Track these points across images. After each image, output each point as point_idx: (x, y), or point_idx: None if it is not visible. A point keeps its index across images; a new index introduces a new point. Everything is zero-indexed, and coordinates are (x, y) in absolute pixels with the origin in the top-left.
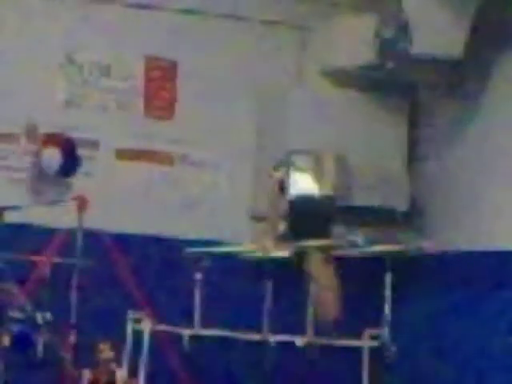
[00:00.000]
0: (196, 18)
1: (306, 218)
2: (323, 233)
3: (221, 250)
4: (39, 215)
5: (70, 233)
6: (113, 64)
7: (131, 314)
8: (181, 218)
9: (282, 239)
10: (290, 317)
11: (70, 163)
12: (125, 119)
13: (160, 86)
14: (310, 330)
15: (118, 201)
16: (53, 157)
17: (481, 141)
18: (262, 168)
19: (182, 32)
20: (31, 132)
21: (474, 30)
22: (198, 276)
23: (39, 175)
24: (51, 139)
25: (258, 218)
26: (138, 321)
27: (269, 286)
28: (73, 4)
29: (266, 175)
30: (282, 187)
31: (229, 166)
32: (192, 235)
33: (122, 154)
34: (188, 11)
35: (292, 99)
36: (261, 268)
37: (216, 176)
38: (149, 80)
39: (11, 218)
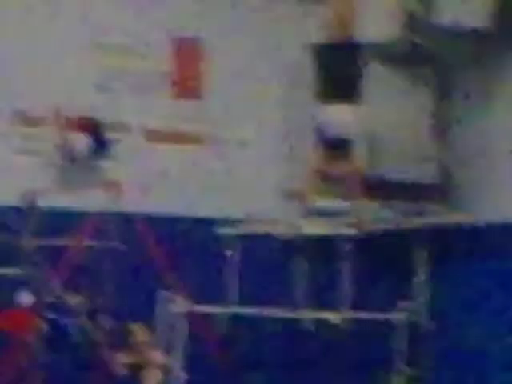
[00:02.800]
0: None
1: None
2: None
3: (253, 230)
4: (70, 199)
5: (103, 216)
6: (140, 46)
7: (165, 296)
8: (212, 198)
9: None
10: (325, 294)
11: (99, 147)
12: (153, 101)
13: (187, 65)
14: (344, 306)
15: (149, 183)
16: (82, 141)
17: (507, 110)
18: (291, 144)
19: (208, 11)
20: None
21: (501, 1)
22: (230, 255)
23: (69, 159)
24: (80, 123)
25: (289, 195)
26: (173, 302)
27: (302, 263)
28: None
29: (296, 151)
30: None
31: (258, 144)
32: (224, 214)
33: (152, 136)
34: None
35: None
36: (294, 245)
37: (246, 154)
38: (175, 60)
39: (43, 202)
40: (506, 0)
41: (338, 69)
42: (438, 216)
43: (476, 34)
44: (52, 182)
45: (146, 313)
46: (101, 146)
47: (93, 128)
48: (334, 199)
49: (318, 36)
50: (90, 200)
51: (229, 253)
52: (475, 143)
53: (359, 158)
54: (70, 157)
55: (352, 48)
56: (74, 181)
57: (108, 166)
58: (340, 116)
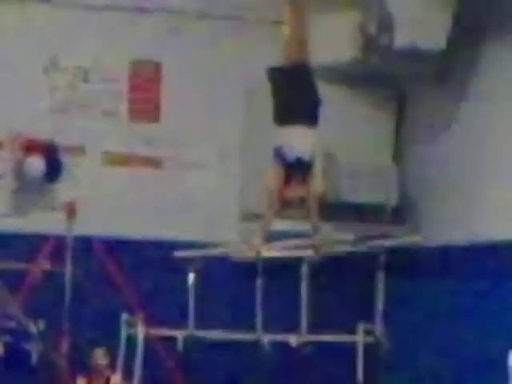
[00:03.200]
0: (179, 19)
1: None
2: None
3: (212, 252)
4: (27, 223)
5: (60, 240)
6: (96, 68)
7: (125, 318)
8: (170, 220)
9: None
10: (283, 315)
11: (53, 169)
12: (110, 123)
13: (145, 88)
14: (303, 327)
15: (107, 205)
16: (35, 164)
17: (467, 133)
18: (251, 167)
19: (166, 34)
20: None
21: (457, 21)
22: (191, 278)
23: (23, 182)
24: (33, 146)
25: (247, 218)
26: (132, 325)
27: (261, 286)
28: (56, 9)
29: (255, 174)
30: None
31: (217, 167)
32: (182, 237)
33: (109, 159)
34: (171, 13)
35: None
36: (253, 268)
37: (204, 177)
38: (133, 83)
39: None
40: (462, 20)
41: (295, 92)
42: (396, 238)
43: (434, 54)
44: (6, 205)
45: (106, 336)
46: (55, 168)
47: (47, 151)
48: (293, 222)
49: (276, 59)
50: (46, 223)
51: (188, 276)
52: (433, 166)
53: (317, 180)
54: (24, 180)
55: (308, 71)
56: (29, 204)
57: (63, 189)
58: (297, 139)
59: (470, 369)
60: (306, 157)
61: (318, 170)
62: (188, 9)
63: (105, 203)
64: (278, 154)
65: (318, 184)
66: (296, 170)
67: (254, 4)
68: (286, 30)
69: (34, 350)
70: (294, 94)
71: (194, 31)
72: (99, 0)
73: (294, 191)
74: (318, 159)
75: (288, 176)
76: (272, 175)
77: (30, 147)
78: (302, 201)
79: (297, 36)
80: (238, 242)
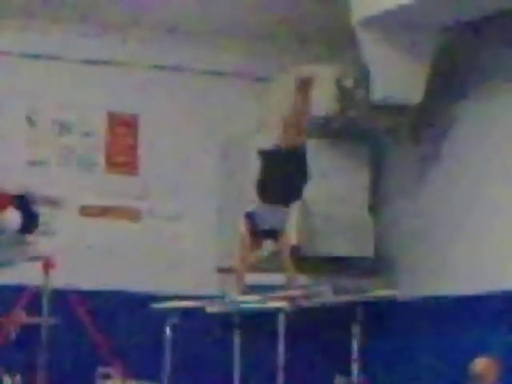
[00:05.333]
0: (156, 72)
1: (276, 173)
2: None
3: (188, 305)
4: (1, 274)
5: (36, 292)
6: (74, 121)
7: (101, 372)
8: (147, 273)
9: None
10: (260, 370)
11: (29, 221)
12: (87, 176)
13: (122, 141)
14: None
15: (84, 258)
16: (11, 217)
17: (445, 186)
18: (227, 219)
19: (143, 87)
20: None
21: (434, 75)
22: (167, 331)
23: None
24: (7, 200)
25: (224, 270)
26: (107, 377)
27: (237, 339)
28: (32, 62)
29: (232, 226)
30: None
31: (194, 219)
32: (159, 290)
33: (86, 211)
34: (148, 66)
35: (254, 150)
36: (230, 321)
37: (182, 229)
38: (110, 136)
39: None
40: (439, 74)
41: (286, 175)
42: (372, 291)
43: (410, 109)
44: None
45: None
46: (30, 220)
47: (22, 202)
48: (268, 274)
49: (256, 116)
50: (22, 275)
51: (164, 328)
52: (409, 219)
53: (291, 232)
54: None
55: (304, 155)
56: (3, 256)
57: (39, 241)
58: (273, 215)
59: None
60: (278, 228)
61: (292, 222)
62: (163, 62)
63: (82, 255)
64: (250, 219)
65: (291, 236)
66: (267, 233)
67: (230, 58)
68: (286, 111)
69: None
70: (284, 176)
71: (170, 85)
72: (75, 53)
73: (267, 246)
74: (292, 210)
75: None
76: (245, 230)
77: (4, 201)
78: (275, 255)
79: (299, 117)
80: (215, 294)
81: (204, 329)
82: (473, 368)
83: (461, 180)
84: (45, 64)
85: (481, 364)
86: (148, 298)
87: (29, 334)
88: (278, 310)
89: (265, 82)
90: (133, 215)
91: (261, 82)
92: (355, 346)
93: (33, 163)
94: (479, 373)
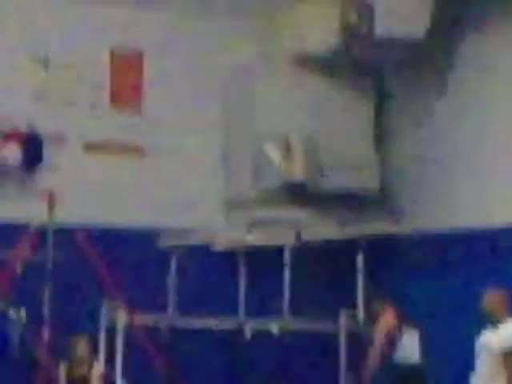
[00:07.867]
0: (159, 8)
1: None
2: None
3: (194, 240)
4: (5, 211)
5: (41, 229)
6: (78, 58)
7: (106, 303)
8: (152, 208)
9: None
10: (266, 303)
11: (31, 158)
12: (92, 112)
13: (126, 78)
14: (285, 315)
15: (88, 194)
16: (15, 152)
17: (448, 121)
18: (233, 154)
19: (147, 23)
20: None
21: (438, 10)
22: (171, 266)
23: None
24: (13, 135)
25: (230, 204)
26: (113, 310)
27: (244, 273)
28: (37, 1)
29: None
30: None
31: (199, 154)
32: (165, 224)
33: (90, 147)
34: (152, 2)
35: (259, 85)
36: (234, 256)
37: (186, 165)
38: (115, 73)
39: None
40: (442, 9)
41: None
42: (376, 225)
43: (413, 44)
44: None
45: (87, 324)
46: (35, 157)
47: (27, 139)
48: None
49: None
50: (26, 212)
51: (170, 264)
52: (413, 153)
53: (298, 167)
54: (2, 169)
55: None
56: (9, 193)
57: (44, 178)
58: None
59: (447, 346)
60: None
61: (298, 154)
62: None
63: (86, 192)
64: None
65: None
66: None
67: None
68: None
69: (16, 339)
70: None
71: (174, 21)
72: None
73: None
74: (298, 147)
75: None
76: None
77: (11, 136)
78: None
79: None
80: (223, 229)
81: (209, 264)
82: (483, 302)
83: (466, 110)
84: (48, 3)
85: (491, 298)
86: (153, 233)
87: (34, 270)
88: (285, 244)
89: (269, 19)
90: (136, 151)
91: (265, 19)
92: (359, 278)
93: (37, 100)
94: (489, 307)
